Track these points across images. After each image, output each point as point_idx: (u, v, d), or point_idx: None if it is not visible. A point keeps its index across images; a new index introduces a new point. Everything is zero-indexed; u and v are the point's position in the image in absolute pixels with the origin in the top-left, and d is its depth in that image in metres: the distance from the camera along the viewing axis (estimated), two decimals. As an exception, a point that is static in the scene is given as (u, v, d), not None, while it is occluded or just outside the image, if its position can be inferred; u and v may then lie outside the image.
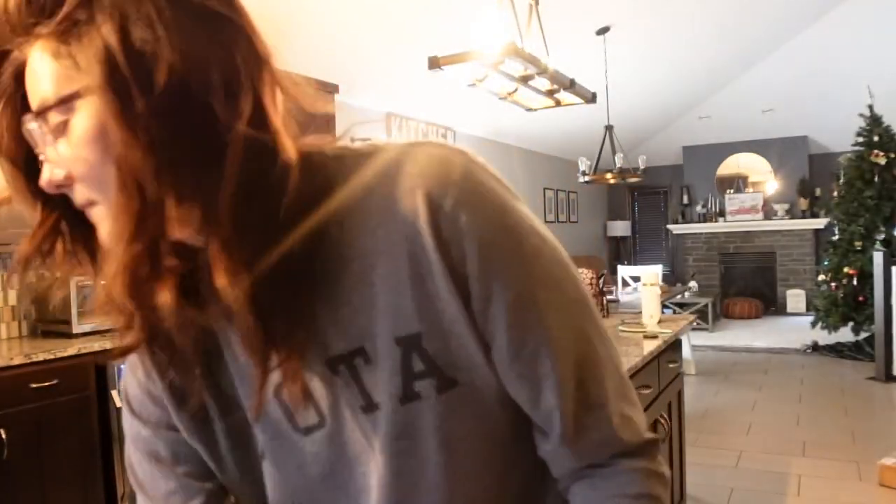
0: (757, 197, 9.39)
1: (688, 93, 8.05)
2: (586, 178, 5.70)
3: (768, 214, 9.31)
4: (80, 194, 0.51)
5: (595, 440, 0.58)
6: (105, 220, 0.51)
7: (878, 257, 5.64)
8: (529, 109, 3.01)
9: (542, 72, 2.55)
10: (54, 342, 2.85)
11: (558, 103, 2.93)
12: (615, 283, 6.49)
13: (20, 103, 0.51)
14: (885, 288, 5.51)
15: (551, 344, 0.56)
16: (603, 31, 5.32)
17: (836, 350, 6.49)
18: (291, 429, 0.60)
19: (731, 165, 9.77)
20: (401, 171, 0.54)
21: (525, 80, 2.61)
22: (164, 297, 0.49)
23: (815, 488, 3.24)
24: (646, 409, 2.22)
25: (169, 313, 0.50)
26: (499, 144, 7.52)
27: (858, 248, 6.34)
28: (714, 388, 5.36)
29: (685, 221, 9.78)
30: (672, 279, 9.18)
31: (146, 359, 0.62)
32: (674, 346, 2.57)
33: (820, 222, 8.86)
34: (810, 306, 7.90)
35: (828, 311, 6.57)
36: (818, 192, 9.21)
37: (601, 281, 2.76)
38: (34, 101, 0.49)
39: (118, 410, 2.87)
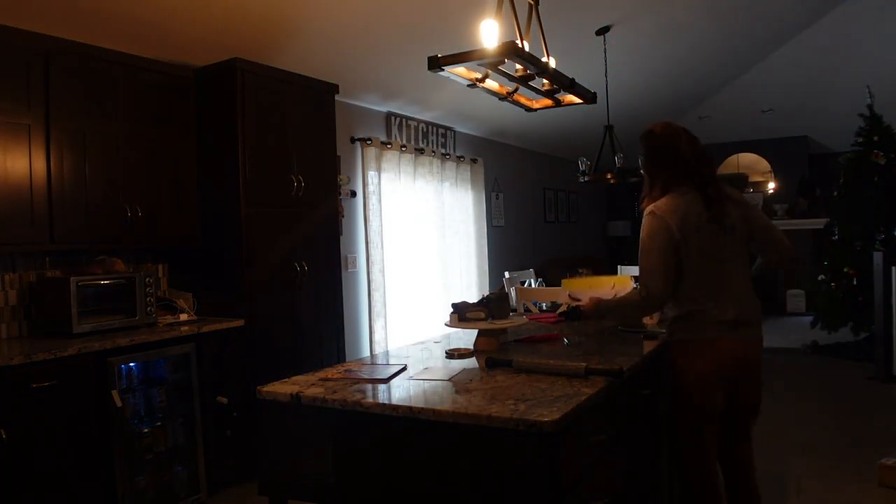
0: (757, 197, 9.39)
1: (688, 93, 8.05)
2: (586, 178, 5.69)
3: (768, 214, 9.31)
4: None
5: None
6: None
7: (877, 257, 5.65)
8: (529, 109, 3.01)
9: (542, 72, 2.55)
10: (54, 342, 2.85)
11: (558, 103, 2.92)
12: (615, 283, 6.46)
13: None
14: (884, 288, 5.51)
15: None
16: (603, 30, 5.33)
17: (836, 350, 6.49)
18: None
19: (731, 165, 9.77)
20: None
21: (525, 80, 2.61)
22: None
23: (815, 488, 3.24)
24: (646, 409, 2.22)
25: None
26: (499, 144, 7.52)
27: (858, 248, 6.34)
28: (714, 388, 5.35)
29: (685, 221, 9.76)
30: (672, 279, 9.14)
31: None
32: (674, 346, 2.56)
33: (820, 222, 8.86)
34: (810, 306, 7.90)
35: (828, 311, 6.57)
36: (818, 192, 9.22)
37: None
38: None
39: (118, 410, 2.87)
